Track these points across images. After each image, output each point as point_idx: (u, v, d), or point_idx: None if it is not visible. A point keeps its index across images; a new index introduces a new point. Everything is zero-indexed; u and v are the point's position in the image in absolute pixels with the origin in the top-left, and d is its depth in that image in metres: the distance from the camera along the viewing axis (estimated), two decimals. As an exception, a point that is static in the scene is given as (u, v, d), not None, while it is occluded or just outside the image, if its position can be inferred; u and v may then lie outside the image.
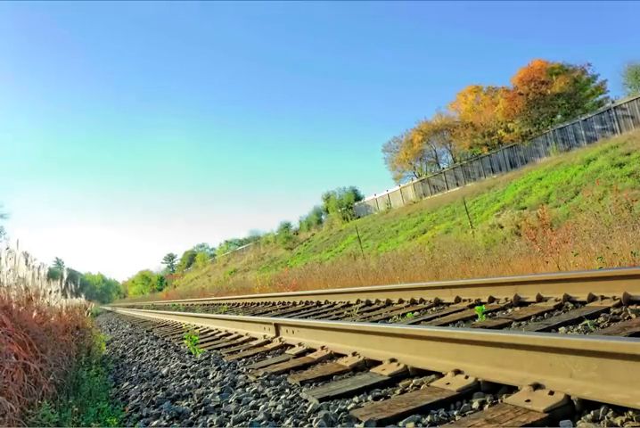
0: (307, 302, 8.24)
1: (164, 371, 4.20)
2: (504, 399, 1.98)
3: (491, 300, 4.47)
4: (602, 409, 1.70)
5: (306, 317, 6.15)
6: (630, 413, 1.63)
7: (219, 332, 6.37)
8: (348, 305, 6.65)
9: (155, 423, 2.68)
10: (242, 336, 5.44)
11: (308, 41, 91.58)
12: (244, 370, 3.59)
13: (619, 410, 1.68)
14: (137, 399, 3.37)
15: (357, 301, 6.61)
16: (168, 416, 2.74)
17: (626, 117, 19.05)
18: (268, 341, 4.61)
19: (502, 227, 12.91)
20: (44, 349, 3.59)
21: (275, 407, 2.49)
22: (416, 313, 4.86)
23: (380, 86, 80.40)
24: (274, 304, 9.67)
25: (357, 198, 33.95)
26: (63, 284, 6.49)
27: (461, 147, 27.89)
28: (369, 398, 2.39)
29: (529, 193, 16.38)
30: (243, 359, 4.08)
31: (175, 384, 3.55)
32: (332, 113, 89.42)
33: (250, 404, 2.62)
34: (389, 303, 5.95)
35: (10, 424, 2.46)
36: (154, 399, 3.19)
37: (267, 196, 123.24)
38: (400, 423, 1.97)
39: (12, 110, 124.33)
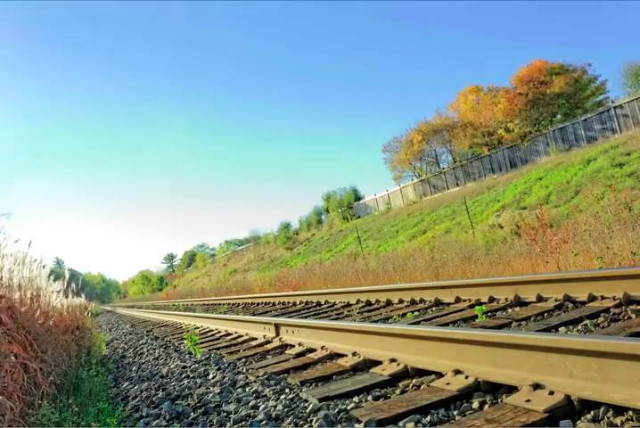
0: (307, 302, 8.24)
1: (164, 371, 4.20)
2: (504, 399, 1.98)
3: (491, 300, 4.47)
4: (602, 409, 1.70)
5: (306, 317, 6.15)
6: (630, 413, 1.63)
7: (219, 332, 6.37)
8: (348, 305, 6.65)
9: (155, 423, 2.68)
10: (241, 336, 5.44)
11: (307, 43, 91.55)
12: (244, 370, 3.59)
13: (619, 410, 1.68)
14: (137, 399, 3.37)
15: (357, 301, 6.61)
16: (168, 416, 2.74)
17: (626, 117, 19.06)
18: (268, 341, 4.61)
19: (502, 227, 12.92)
20: (44, 349, 3.59)
21: (275, 407, 2.49)
22: (416, 313, 4.86)
23: (380, 87, 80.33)
24: (274, 304, 9.67)
25: (357, 198, 33.95)
26: (65, 284, 6.50)
27: (461, 147, 27.90)
28: (369, 398, 2.39)
29: (529, 193, 16.39)
30: (243, 359, 4.08)
31: (175, 384, 3.55)
32: (332, 113, 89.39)
33: (250, 404, 2.62)
34: (389, 303, 5.95)
35: (10, 424, 2.46)
36: (154, 399, 3.19)
37: (268, 196, 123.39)
38: (400, 423, 1.97)
39: (8, 105, 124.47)
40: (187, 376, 3.79)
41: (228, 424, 2.39)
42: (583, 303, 3.61)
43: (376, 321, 4.75)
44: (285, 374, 3.22)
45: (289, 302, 9.05)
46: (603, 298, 3.50)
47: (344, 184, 47.05)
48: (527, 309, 3.80)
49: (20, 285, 4.02)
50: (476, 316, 3.89)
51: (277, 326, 4.71)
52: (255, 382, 3.15)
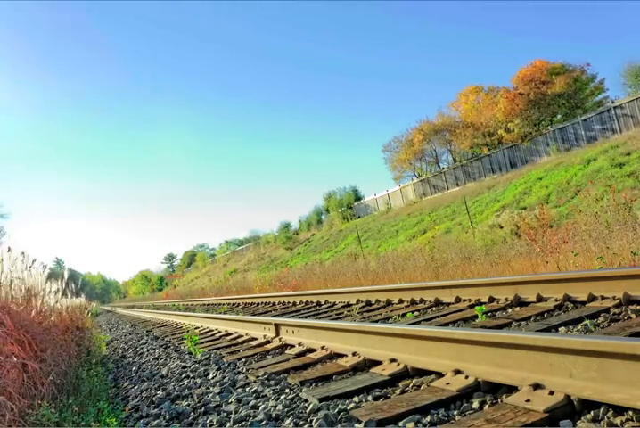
0: (307, 302, 8.24)
1: (164, 371, 4.20)
2: (504, 399, 1.98)
3: (491, 300, 4.47)
4: (602, 409, 1.70)
5: (306, 317, 6.15)
6: (630, 413, 1.63)
7: (219, 332, 6.37)
8: (348, 305, 6.65)
9: (155, 423, 2.68)
10: (241, 336, 5.44)
11: (310, 36, 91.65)
12: (244, 370, 3.59)
13: (619, 410, 1.67)
14: (137, 399, 3.37)
15: (357, 301, 6.61)
16: (168, 416, 2.74)
17: (626, 117, 19.06)
18: (268, 341, 4.61)
19: (502, 227, 12.92)
20: (43, 349, 3.59)
21: (275, 407, 2.49)
22: (416, 313, 4.86)
23: (381, 82, 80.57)
24: (274, 304, 9.67)
25: (358, 198, 33.96)
26: (64, 284, 6.50)
27: (461, 147, 27.90)
28: (369, 398, 2.39)
29: (529, 193, 16.39)
30: (243, 359, 4.08)
31: (175, 384, 3.55)
32: (332, 112, 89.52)
33: (250, 404, 2.62)
34: (389, 303, 5.95)
35: (10, 424, 2.46)
36: (154, 399, 3.19)
37: (268, 196, 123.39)
38: (400, 423, 1.97)
39: (14, 103, 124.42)
40: (187, 376, 3.79)
41: (228, 424, 2.38)
42: (583, 303, 3.61)
43: (376, 321, 4.75)
44: (285, 374, 3.22)
45: (289, 302, 9.04)
46: (603, 298, 3.50)
47: (344, 184, 47.09)
48: (527, 309, 3.79)
49: (12, 285, 4.01)
50: (476, 316, 3.89)
51: (277, 326, 4.71)
52: (255, 382, 3.15)
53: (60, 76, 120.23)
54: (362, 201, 33.18)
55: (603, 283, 3.59)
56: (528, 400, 1.86)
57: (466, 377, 2.25)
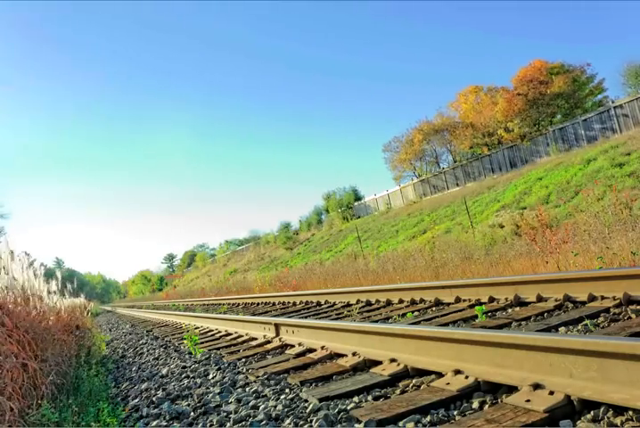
0: (307, 302, 8.24)
1: (164, 371, 4.20)
2: (504, 399, 1.98)
3: (491, 300, 4.47)
4: (602, 409, 1.70)
5: (306, 317, 6.15)
6: (630, 413, 1.63)
7: (219, 332, 6.37)
8: (348, 305, 6.65)
9: (155, 423, 2.68)
10: (241, 336, 5.44)
11: (309, 38, 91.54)
12: (244, 370, 3.59)
13: (619, 410, 1.67)
14: (137, 399, 3.37)
15: (357, 301, 6.61)
16: (168, 416, 2.74)
17: (626, 117, 19.06)
18: (268, 341, 4.61)
19: (502, 227, 12.92)
20: (43, 349, 3.59)
21: (275, 407, 2.49)
22: (416, 313, 4.86)
23: (380, 83, 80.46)
24: (274, 304, 9.67)
25: (357, 198, 33.96)
26: (60, 284, 6.49)
27: (461, 147, 27.90)
28: (369, 398, 2.39)
29: (529, 193, 16.39)
30: (243, 359, 4.08)
31: (175, 384, 3.55)
32: (332, 111, 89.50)
33: (250, 404, 2.62)
34: (389, 303, 5.95)
35: (10, 424, 2.46)
36: (154, 399, 3.19)
37: (268, 196, 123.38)
38: (400, 423, 1.97)
39: (14, 107, 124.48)
40: (187, 376, 3.79)
41: (228, 424, 2.38)
42: (583, 303, 3.61)
43: (376, 321, 4.75)
44: (285, 374, 3.22)
45: (289, 302, 9.04)
46: (603, 298, 3.50)
47: (344, 184, 47.11)
48: (527, 309, 3.80)
49: (11, 285, 4.01)
50: (476, 316, 3.89)
51: (277, 326, 4.71)
52: (255, 382, 3.14)
53: (58, 80, 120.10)
54: (362, 201, 33.18)
55: (603, 283, 3.59)
56: (528, 400, 1.86)
57: (466, 377, 2.25)
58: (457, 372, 2.33)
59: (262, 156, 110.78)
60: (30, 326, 3.59)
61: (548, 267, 6.53)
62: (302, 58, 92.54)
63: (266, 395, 2.78)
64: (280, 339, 4.48)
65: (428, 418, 1.97)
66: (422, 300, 5.44)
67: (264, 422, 2.30)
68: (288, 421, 2.24)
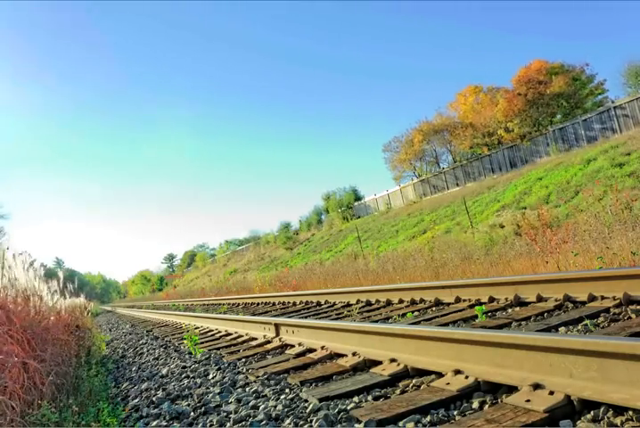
0: (307, 302, 8.24)
1: (164, 371, 4.20)
2: (504, 399, 1.98)
3: (491, 300, 4.47)
4: (602, 409, 1.70)
5: (306, 317, 6.15)
6: (630, 413, 1.63)
7: (219, 332, 6.37)
8: (348, 305, 6.65)
9: (155, 423, 2.68)
10: (241, 336, 5.44)
11: (311, 34, 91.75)
12: (244, 370, 3.59)
13: (619, 410, 1.68)
14: (137, 399, 3.37)
15: (357, 301, 6.61)
16: (168, 416, 2.74)
17: (626, 117, 19.06)
18: (268, 341, 4.61)
19: (502, 227, 12.92)
20: (43, 349, 3.59)
21: (275, 407, 2.49)
22: (416, 313, 4.86)
23: (381, 80, 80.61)
24: (274, 304, 9.67)
25: (357, 198, 33.96)
26: (61, 284, 6.49)
27: (461, 147, 27.90)
28: (369, 398, 2.39)
29: (529, 193, 16.39)
30: (243, 359, 4.08)
31: (175, 384, 3.55)
32: (332, 110, 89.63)
33: (250, 404, 2.62)
34: (389, 303, 5.95)
35: (11, 424, 2.46)
36: (154, 399, 3.19)
37: (268, 196, 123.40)
38: (400, 423, 1.97)
39: (14, 103, 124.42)
40: (187, 376, 3.79)
41: (228, 424, 2.39)
42: (583, 303, 3.61)
43: (376, 321, 4.75)
44: (285, 374, 3.22)
45: (289, 302, 9.04)
46: (603, 298, 3.50)
47: (344, 184, 47.17)
48: (527, 309, 3.79)
49: (11, 285, 4.02)
50: (476, 316, 3.89)
51: (277, 326, 4.71)
52: (255, 382, 3.15)
53: (59, 77, 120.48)
54: (362, 201, 33.18)
55: (603, 283, 3.59)
56: (528, 400, 1.86)
57: (466, 377, 2.25)
58: (457, 372, 2.33)
59: (262, 156, 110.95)
60: (30, 326, 3.59)
61: (548, 267, 6.53)
62: (303, 54, 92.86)
63: (266, 395, 2.78)
64: (280, 339, 4.48)
65: (428, 418, 1.97)
66: (422, 300, 5.44)
67: (264, 422, 2.30)
68: (288, 421, 2.24)
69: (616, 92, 41.43)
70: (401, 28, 79.79)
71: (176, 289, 43.48)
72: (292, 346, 4.12)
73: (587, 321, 2.97)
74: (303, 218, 38.71)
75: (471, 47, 72.75)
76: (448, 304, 4.97)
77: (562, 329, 3.00)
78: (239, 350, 4.62)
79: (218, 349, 4.98)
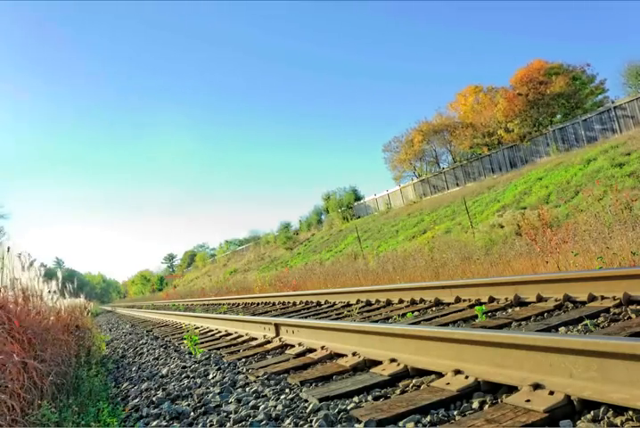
0: (307, 302, 8.24)
1: (164, 371, 4.20)
2: (504, 399, 1.98)
3: (491, 300, 4.47)
4: (602, 409, 1.70)
5: (306, 317, 6.15)
6: (630, 413, 1.63)
7: (219, 332, 6.37)
8: (348, 305, 6.65)
9: (155, 423, 2.68)
10: (242, 336, 5.44)
11: (309, 36, 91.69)
12: (244, 370, 3.59)
13: (619, 410, 1.68)
14: (137, 399, 3.37)
15: (357, 301, 6.61)
16: (168, 416, 2.74)
17: (626, 117, 19.06)
18: (268, 341, 4.61)
19: (502, 227, 12.92)
20: (43, 349, 3.59)
21: (275, 407, 2.49)
22: (416, 313, 4.86)
23: (381, 82, 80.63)
24: (274, 304, 9.67)
25: (357, 198, 33.96)
26: (60, 284, 6.49)
27: (461, 147, 27.90)
28: (369, 398, 2.39)
29: (529, 193, 16.39)
30: (243, 359, 4.08)
31: (175, 384, 3.55)
32: (332, 111, 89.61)
33: (250, 404, 2.62)
34: (389, 303, 5.95)
35: (12, 423, 2.46)
36: (154, 399, 3.19)
37: (268, 196, 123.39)
38: (400, 423, 1.97)
39: (13, 109, 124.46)
40: (187, 376, 3.79)
41: (228, 424, 2.39)
42: (583, 303, 3.61)
43: (376, 321, 4.75)
44: (285, 374, 3.22)
45: (289, 302, 9.04)
46: (603, 298, 3.50)
47: (344, 184, 47.18)
48: (527, 309, 3.80)
49: (11, 285, 4.02)
50: (476, 316, 3.89)
51: (277, 326, 4.71)
52: (255, 382, 3.15)
53: (58, 84, 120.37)
54: (362, 202, 33.18)
55: (603, 283, 3.59)
56: (528, 400, 1.86)
57: (466, 377, 2.25)
58: (457, 372, 2.33)
59: (262, 156, 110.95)
60: (30, 326, 3.59)
61: (548, 267, 6.53)
62: (300, 58, 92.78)
63: (266, 395, 2.78)
64: (280, 339, 4.48)
65: (428, 418, 1.97)
66: (422, 300, 5.44)
67: (264, 422, 2.30)
68: (288, 421, 2.24)
69: (616, 92, 41.46)
70: (402, 31, 79.89)
71: (176, 289, 43.48)
72: (292, 346, 4.12)
73: (587, 321, 2.97)
74: (303, 218, 38.76)
75: (471, 49, 72.84)
76: (448, 304, 4.97)
77: (562, 329, 3.00)
78: (239, 350, 4.63)
79: (218, 349, 4.98)
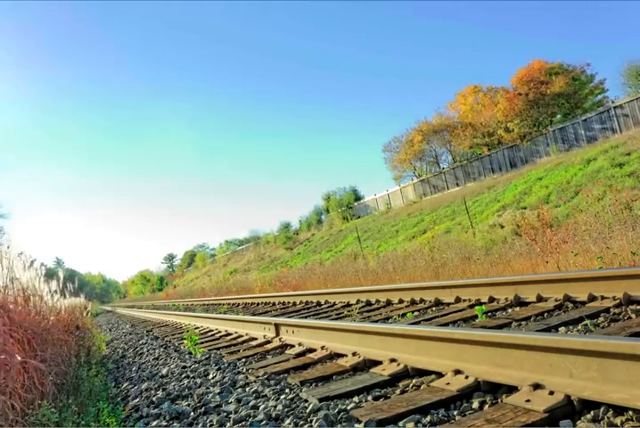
0: (307, 302, 8.24)
1: (164, 371, 4.20)
2: (504, 399, 1.98)
3: (491, 300, 4.47)
4: (602, 409, 1.70)
5: (306, 317, 6.15)
6: (630, 413, 1.63)
7: (219, 332, 6.37)
8: (348, 305, 6.65)
9: (155, 423, 2.68)
10: (242, 336, 5.44)
11: (312, 34, 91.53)
12: (244, 370, 3.59)
13: (619, 410, 1.68)
14: (137, 399, 3.37)
15: (357, 301, 6.61)
16: (168, 416, 2.74)
17: (626, 117, 19.06)
18: (268, 341, 4.61)
19: (502, 227, 12.92)
20: (43, 349, 3.59)
21: (275, 407, 2.49)
22: (416, 313, 4.86)
23: (381, 80, 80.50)
24: (274, 304, 9.67)
25: (357, 198, 33.96)
26: (61, 284, 6.49)
27: (461, 147, 27.90)
28: (369, 398, 2.39)
29: (529, 193, 16.38)
30: (243, 359, 4.08)
31: (175, 384, 3.55)
32: (332, 110, 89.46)
33: (250, 404, 2.62)
34: (389, 303, 5.95)
35: (12, 423, 2.46)
36: (154, 399, 3.19)
37: (268, 196, 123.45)
38: (400, 423, 1.97)
39: (16, 97, 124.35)
40: (187, 376, 3.79)
41: (228, 424, 2.39)
42: (583, 303, 3.61)
43: (376, 321, 4.75)
44: (285, 374, 3.22)
45: (289, 302, 9.04)
46: (603, 298, 3.50)
47: (344, 183, 47.23)
48: (527, 309, 3.80)
49: (11, 285, 4.01)
50: (476, 316, 3.89)
51: (277, 326, 4.71)
52: (255, 382, 3.15)
53: (61, 71, 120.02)
54: (362, 201, 33.19)
55: (603, 283, 3.59)
56: (528, 400, 1.86)
57: (466, 377, 2.25)
58: (457, 372, 2.33)
59: (262, 156, 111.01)
60: (30, 326, 3.59)
61: (548, 267, 6.53)
62: (303, 52, 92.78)
63: (266, 395, 2.78)
64: (280, 339, 4.48)
65: (428, 418, 1.97)
66: (422, 300, 5.44)
67: (264, 422, 2.30)
68: (288, 421, 2.24)
69: (616, 92, 41.48)
70: (401, 28, 79.88)
71: (176, 289, 43.48)
72: (292, 346, 4.12)
73: (587, 321, 2.97)
74: (303, 218, 38.76)
75: (470, 47, 72.79)
76: (448, 304, 4.97)
77: (562, 329, 3.00)
78: (239, 350, 4.63)
79: (218, 349, 4.98)
